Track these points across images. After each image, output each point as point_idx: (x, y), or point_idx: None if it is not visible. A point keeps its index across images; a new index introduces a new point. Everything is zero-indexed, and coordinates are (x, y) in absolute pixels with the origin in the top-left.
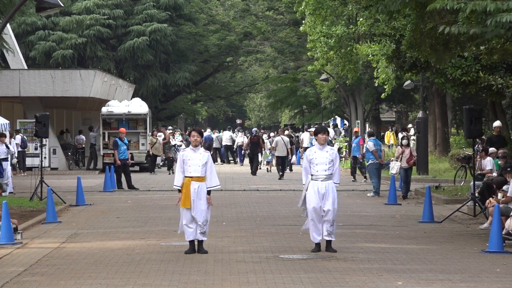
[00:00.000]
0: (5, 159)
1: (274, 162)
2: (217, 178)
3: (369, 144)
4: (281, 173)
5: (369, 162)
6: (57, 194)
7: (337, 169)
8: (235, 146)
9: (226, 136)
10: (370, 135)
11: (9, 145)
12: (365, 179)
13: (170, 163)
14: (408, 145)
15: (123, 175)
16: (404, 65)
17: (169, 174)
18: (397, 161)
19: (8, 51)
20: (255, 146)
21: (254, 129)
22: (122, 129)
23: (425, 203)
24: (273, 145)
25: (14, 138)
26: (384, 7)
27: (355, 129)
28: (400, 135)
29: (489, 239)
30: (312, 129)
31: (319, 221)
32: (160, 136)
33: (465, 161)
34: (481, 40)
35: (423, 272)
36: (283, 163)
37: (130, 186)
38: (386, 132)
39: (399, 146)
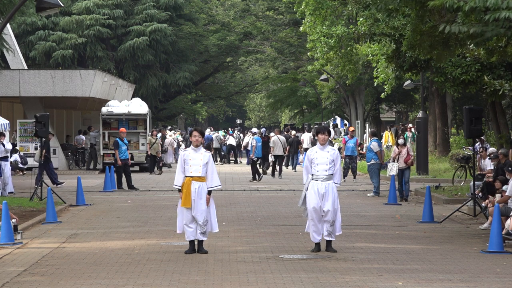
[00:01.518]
0: (4, 158)
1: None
2: (218, 178)
3: (374, 144)
4: (278, 172)
5: (371, 162)
6: (57, 194)
7: (338, 169)
8: (243, 146)
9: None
10: (373, 135)
11: (5, 144)
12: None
13: (157, 163)
14: (404, 144)
15: (123, 175)
16: (404, 65)
17: (157, 174)
18: (394, 161)
19: (8, 51)
20: (266, 146)
21: (263, 129)
22: (123, 129)
23: (425, 203)
24: (271, 145)
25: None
26: (384, 5)
27: (351, 128)
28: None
29: (489, 239)
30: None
31: (319, 221)
32: (172, 135)
33: (464, 161)
34: (481, 39)
35: (423, 272)
36: (280, 162)
37: (130, 186)
38: (385, 132)
39: (395, 147)
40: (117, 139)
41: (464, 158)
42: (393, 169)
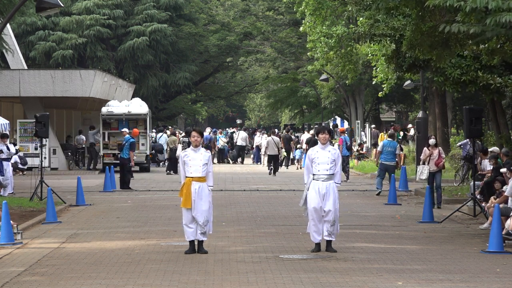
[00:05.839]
0: (6, 159)
1: (265, 160)
2: (212, 179)
3: (380, 144)
4: (273, 170)
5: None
6: (57, 194)
7: (339, 169)
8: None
9: (241, 136)
10: (389, 136)
11: (9, 146)
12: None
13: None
14: (436, 145)
15: (120, 175)
16: (404, 65)
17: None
18: (424, 164)
19: (8, 51)
20: (285, 145)
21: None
22: (125, 130)
23: (425, 203)
24: (264, 145)
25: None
26: (385, 3)
27: (340, 128)
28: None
29: (489, 239)
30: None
31: (320, 221)
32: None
33: (468, 161)
34: (481, 39)
35: (423, 272)
36: (275, 161)
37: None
38: (381, 134)
39: (425, 148)
40: (133, 139)
41: (467, 158)
42: (423, 172)
